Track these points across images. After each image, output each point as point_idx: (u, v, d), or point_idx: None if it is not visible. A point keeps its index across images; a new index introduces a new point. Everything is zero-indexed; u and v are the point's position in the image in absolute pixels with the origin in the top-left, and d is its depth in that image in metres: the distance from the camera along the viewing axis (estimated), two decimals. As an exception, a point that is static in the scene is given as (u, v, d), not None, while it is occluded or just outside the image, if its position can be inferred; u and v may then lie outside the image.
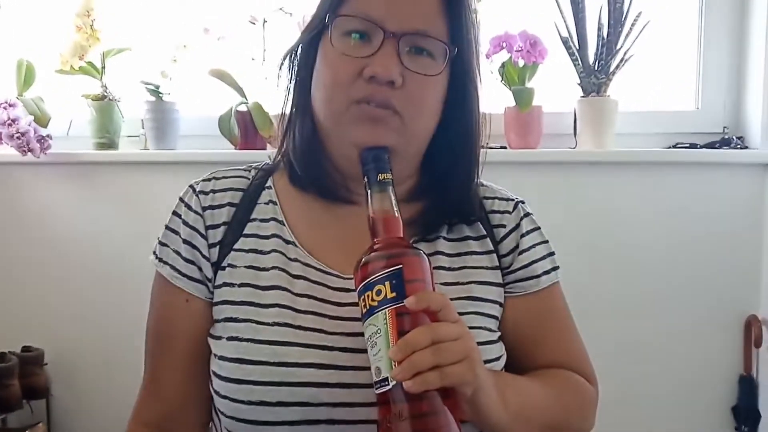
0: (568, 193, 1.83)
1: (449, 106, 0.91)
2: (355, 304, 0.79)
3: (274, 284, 0.90)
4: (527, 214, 1.01)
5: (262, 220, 0.95)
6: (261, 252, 0.92)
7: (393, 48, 0.85)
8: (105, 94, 1.99)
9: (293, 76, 0.95)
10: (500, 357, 0.93)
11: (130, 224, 1.94)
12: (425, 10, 0.87)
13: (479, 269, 0.95)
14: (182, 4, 2.04)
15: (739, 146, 1.83)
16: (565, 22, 1.80)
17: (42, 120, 1.98)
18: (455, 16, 0.89)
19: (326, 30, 0.89)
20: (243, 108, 1.92)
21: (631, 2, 1.77)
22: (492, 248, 0.97)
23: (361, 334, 0.77)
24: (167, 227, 0.96)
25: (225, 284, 0.92)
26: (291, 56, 0.96)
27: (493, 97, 1.84)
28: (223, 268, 0.93)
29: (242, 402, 0.85)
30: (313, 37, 0.92)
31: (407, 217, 0.88)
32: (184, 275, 0.93)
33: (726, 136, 1.86)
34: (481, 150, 0.96)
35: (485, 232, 0.97)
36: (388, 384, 0.73)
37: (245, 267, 0.92)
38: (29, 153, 1.90)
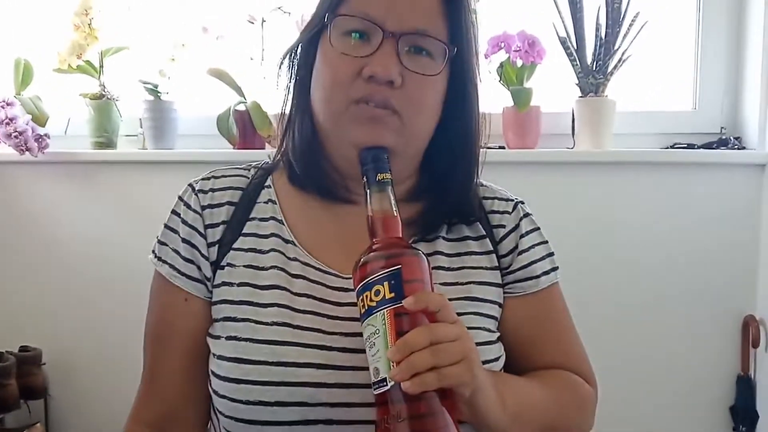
0: (565, 193, 1.83)
1: (448, 106, 0.91)
2: (354, 304, 0.78)
3: (273, 284, 0.90)
4: (527, 215, 1.01)
5: (262, 219, 0.95)
6: (260, 251, 0.92)
7: (392, 48, 0.85)
8: (103, 93, 1.98)
9: (292, 76, 0.95)
10: (499, 357, 0.93)
11: (128, 224, 1.94)
12: (424, 10, 0.87)
13: (478, 269, 0.95)
14: (181, 3, 2.04)
15: (736, 146, 1.84)
16: (563, 22, 1.80)
17: (40, 119, 1.98)
18: (454, 16, 0.89)
19: (325, 29, 0.89)
20: (241, 107, 1.92)
21: (629, 3, 1.77)
22: (491, 248, 0.97)
23: (360, 334, 0.77)
24: (166, 226, 0.96)
25: (224, 283, 0.92)
26: (290, 56, 0.96)
27: (491, 97, 1.84)
28: (222, 268, 0.93)
29: (240, 402, 0.85)
30: (313, 36, 0.92)
31: (406, 217, 0.88)
32: (183, 274, 0.93)
33: (723, 137, 1.87)
34: (480, 150, 0.96)
35: (485, 233, 0.97)
36: (387, 384, 0.73)
37: (244, 266, 0.92)
38: (27, 152, 1.90)
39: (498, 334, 0.94)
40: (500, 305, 0.96)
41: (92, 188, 1.98)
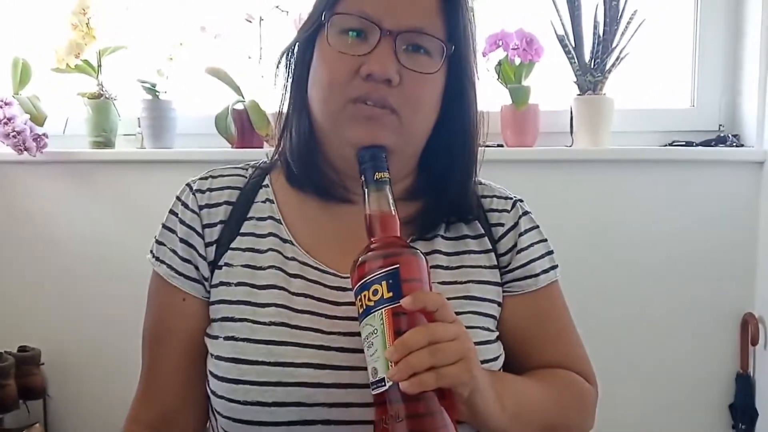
0: (564, 192, 1.82)
1: (446, 104, 0.91)
2: (353, 304, 0.78)
3: (271, 283, 0.90)
4: (525, 213, 1.00)
5: (259, 219, 0.95)
6: (258, 251, 0.92)
7: (390, 46, 0.85)
8: (101, 92, 1.98)
9: (290, 75, 0.95)
10: (498, 357, 0.92)
11: (126, 223, 1.94)
12: (422, 8, 0.87)
13: (477, 268, 0.95)
14: (179, 2, 2.03)
15: (734, 144, 1.83)
16: (561, 20, 1.80)
17: (38, 118, 1.97)
18: (452, 14, 0.89)
19: (322, 28, 0.89)
20: (240, 106, 1.92)
21: (626, 1, 1.77)
22: (490, 247, 0.97)
23: (358, 334, 0.77)
24: (164, 226, 0.96)
25: (222, 283, 0.92)
26: (288, 55, 0.95)
27: (489, 96, 1.84)
28: (220, 267, 0.92)
29: (238, 402, 0.85)
30: (310, 35, 0.92)
31: (405, 215, 0.88)
32: (180, 274, 0.93)
33: (721, 134, 1.86)
34: (479, 148, 0.96)
35: (483, 231, 0.97)
36: (385, 385, 0.73)
37: (242, 266, 0.91)
38: (25, 152, 1.89)
39: (497, 333, 0.94)
40: (499, 304, 0.96)
41: (91, 188, 1.98)
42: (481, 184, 1.02)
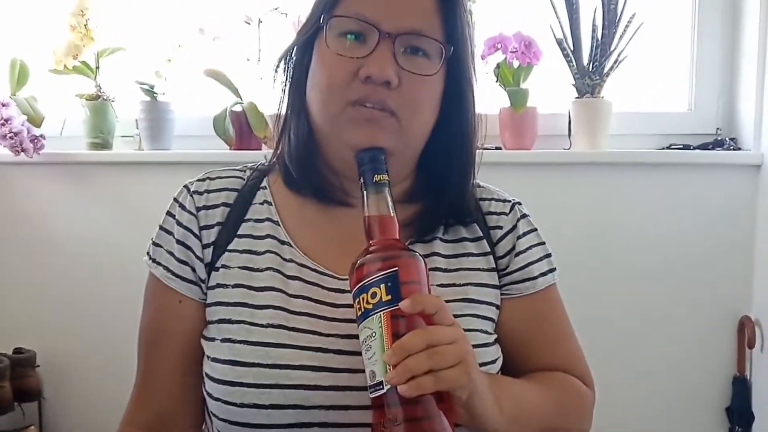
0: (562, 194, 1.83)
1: (445, 107, 0.91)
2: (351, 306, 0.78)
3: (268, 285, 0.89)
4: (524, 216, 1.00)
5: (257, 221, 0.94)
6: (255, 252, 0.92)
7: (388, 48, 0.85)
8: (99, 93, 1.98)
9: (288, 78, 0.95)
10: (496, 360, 0.92)
11: (124, 225, 1.93)
12: (420, 10, 0.87)
13: (475, 271, 0.95)
14: (177, 3, 2.04)
15: (731, 147, 1.84)
16: (559, 23, 1.80)
17: (35, 120, 1.97)
18: (450, 16, 0.89)
19: (321, 31, 0.89)
20: (238, 108, 1.92)
21: (625, 4, 1.77)
22: (488, 250, 0.97)
23: (356, 336, 0.77)
24: (161, 227, 0.96)
25: (218, 285, 0.91)
26: (286, 58, 0.95)
27: (488, 98, 1.84)
28: (217, 269, 0.92)
29: (235, 404, 0.84)
30: (308, 38, 0.92)
31: (403, 218, 0.88)
32: (177, 276, 0.93)
33: (719, 138, 1.87)
34: (477, 151, 0.96)
35: (482, 234, 0.97)
36: (383, 388, 0.73)
37: (239, 268, 0.91)
38: (22, 153, 1.89)
39: (495, 336, 0.94)
40: (497, 307, 0.95)
41: (88, 189, 1.98)
42: (479, 186, 1.01)
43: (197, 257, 0.93)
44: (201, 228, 0.94)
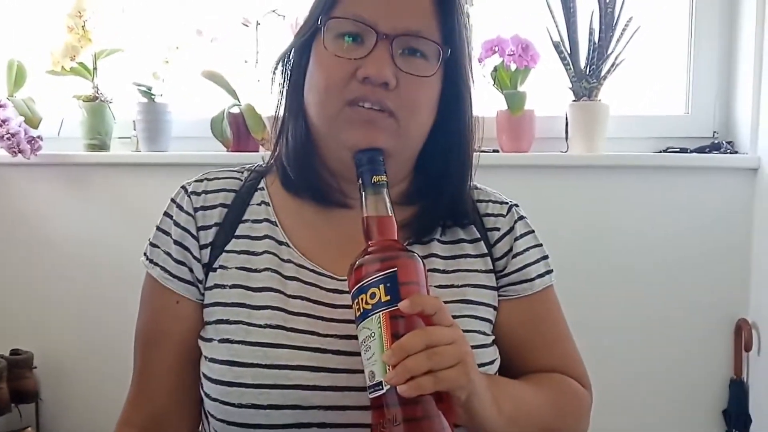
0: (559, 197, 1.83)
1: (442, 108, 0.91)
2: (349, 306, 0.78)
3: (266, 286, 0.89)
4: (521, 218, 1.00)
5: (255, 221, 0.94)
6: (253, 253, 0.92)
7: (386, 49, 0.85)
8: (96, 95, 1.98)
9: (286, 80, 0.95)
10: (494, 360, 0.92)
11: (121, 226, 1.93)
12: (418, 12, 0.87)
13: (473, 272, 0.95)
14: (175, 5, 2.04)
15: (728, 151, 1.84)
16: (557, 26, 1.80)
17: (33, 121, 1.97)
18: (448, 17, 0.89)
19: (319, 32, 0.89)
20: (235, 110, 1.92)
21: (622, 7, 1.78)
22: (486, 251, 0.97)
23: (355, 337, 0.77)
24: (158, 228, 0.96)
25: (216, 286, 0.91)
26: (284, 60, 0.95)
27: (485, 101, 1.85)
28: (215, 270, 0.92)
29: (233, 405, 0.84)
30: (306, 40, 0.92)
31: (401, 219, 0.88)
32: (174, 276, 0.93)
33: (716, 141, 1.87)
34: (474, 153, 0.96)
35: (479, 235, 0.97)
36: (382, 388, 0.73)
37: (237, 268, 0.91)
38: (19, 154, 1.88)
39: (493, 337, 0.94)
40: (495, 308, 0.96)
41: (85, 190, 1.97)
42: (476, 188, 1.02)
43: (195, 258, 0.93)
44: (198, 228, 0.94)
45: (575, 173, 1.84)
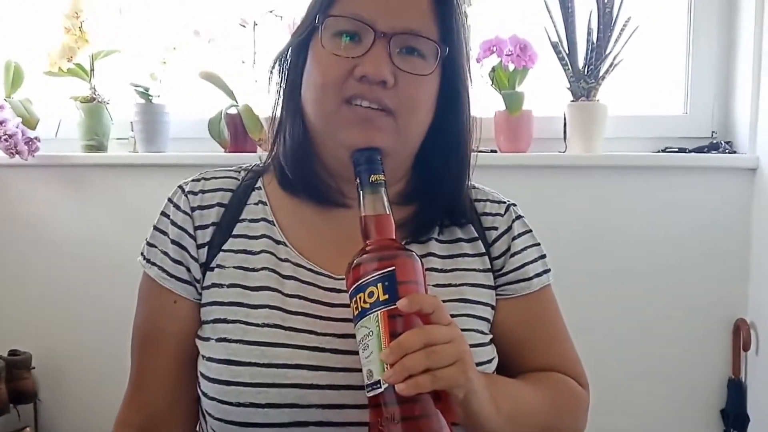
0: (557, 197, 1.83)
1: (440, 108, 0.91)
2: (347, 305, 0.78)
3: (263, 285, 0.89)
4: (519, 217, 1.01)
5: (252, 221, 0.94)
6: (250, 252, 0.92)
7: (384, 48, 0.85)
8: (94, 96, 1.97)
9: (283, 79, 0.95)
10: (492, 359, 0.92)
11: (119, 227, 1.93)
12: (416, 10, 0.87)
13: (471, 271, 0.95)
14: (173, 6, 2.03)
15: (727, 151, 1.84)
16: (555, 26, 1.80)
17: (30, 122, 1.96)
18: (445, 16, 0.89)
19: (316, 31, 0.89)
20: (233, 111, 1.92)
21: (620, 8, 1.78)
22: (484, 250, 0.97)
23: (353, 336, 0.77)
24: (155, 228, 0.96)
25: (213, 285, 0.91)
26: (281, 60, 0.95)
27: (483, 101, 1.85)
28: (212, 269, 0.92)
29: (231, 404, 0.84)
30: (304, 39, 0.92)
31: (399, 218, 0.88)
32: (172, 276, 0.93)
33: (714, 141, 1.87)
34: (472, 153, 0.96)
35: (477, 235, 0.97)
36: (380, 387, 0.73)
37: (234, 267, 0.91)
38: (17, 155, 1.88)
39: (491, 336, 0.94)
40: (493, 307, 0.96)
41: (83, 191, 1.97)
42: (474, 188, 1.02)
43: (192, 257, 0.93)
44: (196, 228, 0.94)
45: (573, 173, 1.84)
